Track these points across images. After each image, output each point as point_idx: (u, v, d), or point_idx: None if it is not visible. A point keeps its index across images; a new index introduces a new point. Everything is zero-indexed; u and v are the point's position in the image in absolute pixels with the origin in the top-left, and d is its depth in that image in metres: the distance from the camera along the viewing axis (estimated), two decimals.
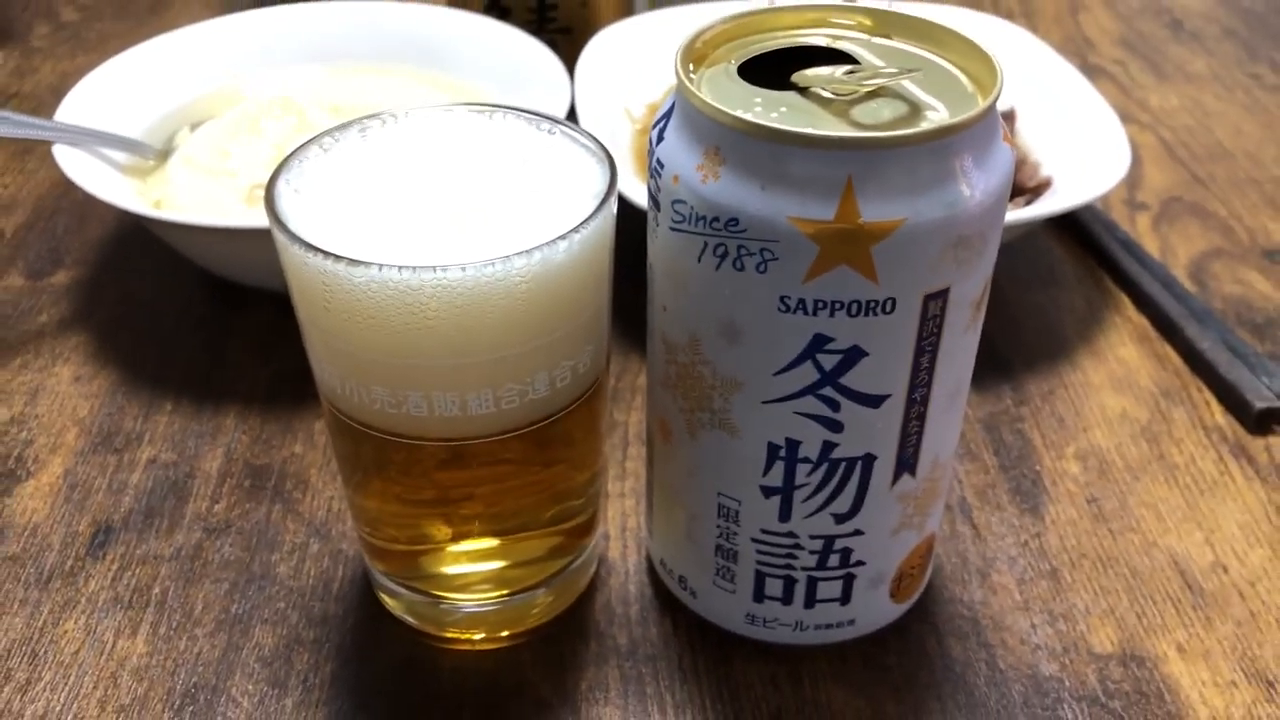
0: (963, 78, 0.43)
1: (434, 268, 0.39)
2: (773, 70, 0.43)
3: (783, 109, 0.40)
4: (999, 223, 0.41)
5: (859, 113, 0.40)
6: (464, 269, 0.39)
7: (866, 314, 0.40)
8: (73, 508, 0.58)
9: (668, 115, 0.42)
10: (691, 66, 0.43)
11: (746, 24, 0.45)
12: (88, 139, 0.68)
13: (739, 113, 0.38)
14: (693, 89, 0.40)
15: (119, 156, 0.70)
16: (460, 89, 0.80)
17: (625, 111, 0.79)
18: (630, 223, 0.53)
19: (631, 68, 0.81)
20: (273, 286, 0.65)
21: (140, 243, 0.76)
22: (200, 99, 0.78)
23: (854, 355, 0.41)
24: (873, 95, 0.41)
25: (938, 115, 0.40)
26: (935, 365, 0.42)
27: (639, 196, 0.64)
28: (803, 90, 0.41)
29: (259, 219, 0.65)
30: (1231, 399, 0.63)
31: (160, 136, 0.75)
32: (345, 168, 0.45)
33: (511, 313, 0.41)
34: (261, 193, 0.65)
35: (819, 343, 0.41)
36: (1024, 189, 0.70)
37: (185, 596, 0.53)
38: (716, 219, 0.40)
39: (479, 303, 0.40)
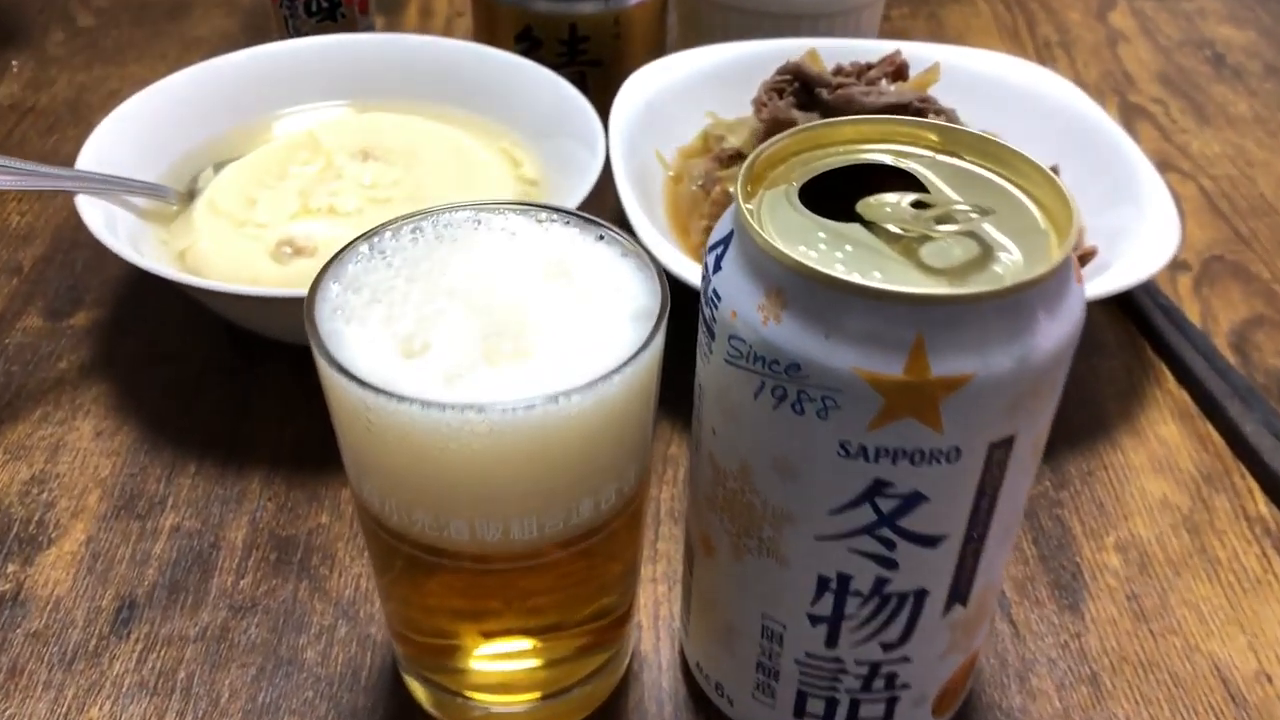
0: (1034, 210, 0.41)
1: (480, 407, 0.37)
2: (837, 189, 0.41)
3: (848, 248, 0.39)
4: (1068, 365, 0.40)
5: (928, 253, 0.39)
6: (513, 409, 0.38)
7: (930, 462, 0.39)
8: (95, 579, 0.57)
9: (725, 242, 0.41)
10: (750, 188, 0.41)
11: (808, 138, 0.43)
12: (110, 187, 0.66)
13: (805, 256, 0.37)
14: (754, 226, 0.38)
15: (140, 201, 0.69)
16: (491, 132, 0.78)
17: (657, 156, 0.77)
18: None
19: (664, 110, 0.79)
20: (297, 341, 0.64)
21: (162, 283, 0.74)
22: (224, 135, 0.76)
23: (914, 499, 0.40)
24: (940, 222, 0.40)
25: (1010, 259, 0.38)
26: (995, 506, 0.41)
27: (674, 263, 0.62)
28: (868, 222, 0.40)
29: (286, 281, 0.63)
30: (1276, 489, 0.62)
31: (183, 176, 0.73)
32: (388, 276, 0.43)
33: (559, 448, 0.40)
34: (289, 250, 0.64)
35: (878, 487, 0.39)
36: None
37: (211, 682, 0.52)
38: (776, 362, 0.38)
39: (526, 440, 0.39)
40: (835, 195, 0.41)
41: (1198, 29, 1.08)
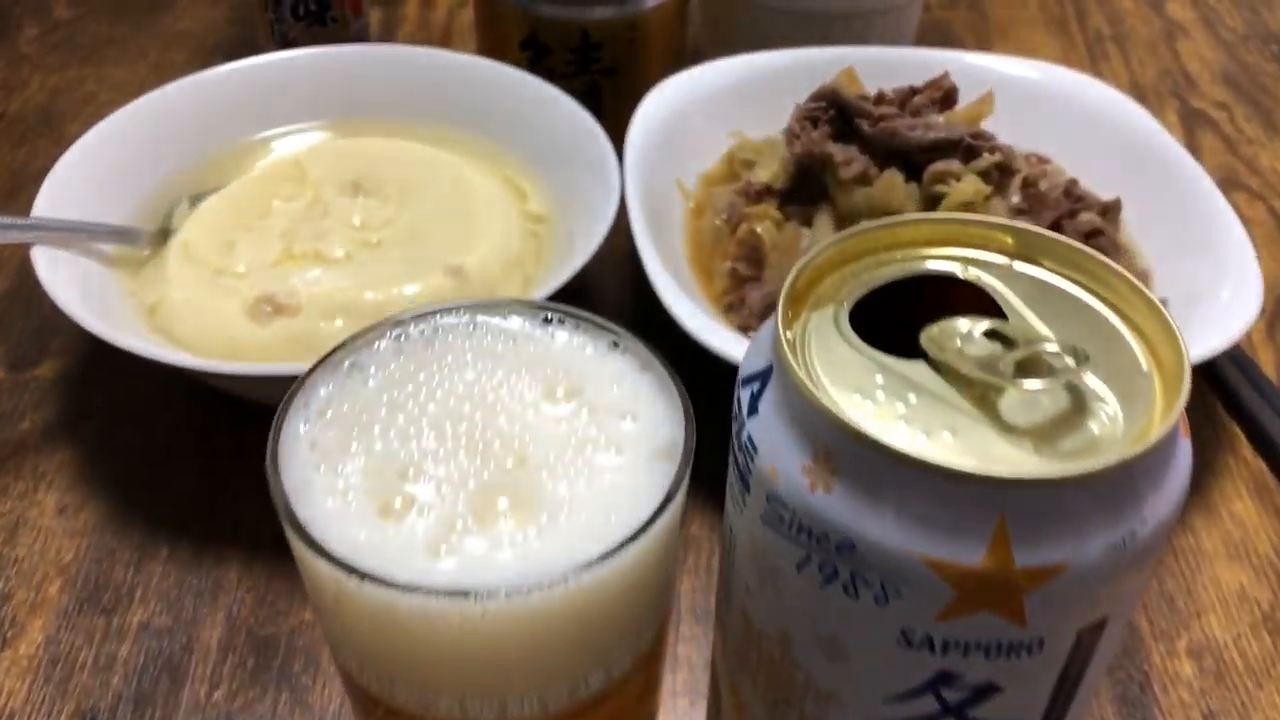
0: (1131, 341, 0.34)
1: (471, 594, 0.31)
2: (896, 304, 0.35)
3: (912, 397, 0.32)
4: (1169, 531, 0.33)
5: (1009, 405, 0.32)
6: (509, 595, 0.31)
7: (1007, 655, 0.32)
8: (54, 690, 0.51)
9: (762, 379, 0.34)
10: (792, 312, 0.34)
11: (860, 242, 0.37)
12: (71, 236, 0.59)
13: (861, 415, 0.30)
14: (799, 372, 0.32)
15: (108, 246, 0.62)
16: (493, 157, 0.71)
17: (678, 185, 0.70)
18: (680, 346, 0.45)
19: (685, 131, 0.72)
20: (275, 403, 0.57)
21: None
22: (201, 163, 0.69)
23: (986, 690, 0.33)
24: (1022, 366, 0.33)
25: (1108, 415, 0.32)
26: (1078, 689, 0.35)
27: (701, 330, 0.55)
28: (933, 358, 0.33)
29: (263, 345, 0.57)
30: None
31: (156, 211, 0.66)
32: (366, 402, 0.37)
33: (564, 627, 0.33)
34: (268, 309, 0.57)
35: (945, 678, 0.33)
36: None
37: None
38: (826, 536, 0.32)
39: (526, 623, 0.32)
40: (894, 312, 0.35)
41: (1264, 21, 1.00)
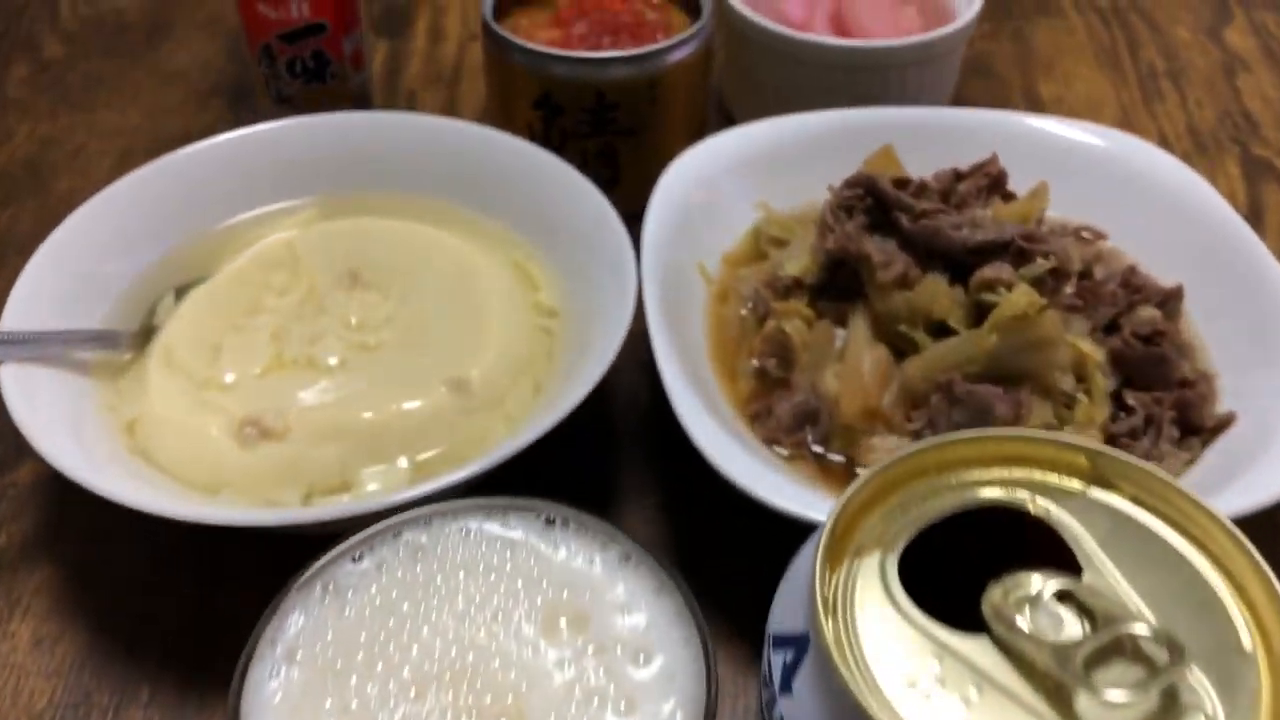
0: (1230, 603, 0.29)
1: None
2: (951, 546, 0.30)
3: (973, 692, 0.27)
4: None
5: (1087, 708, 0.27)
6: None
7: None
8: None
9: (798, 648, 0.29)
10: (832, 563, 0.30)
11: (911, 465, 0.32)
12: (42, 347, 0.55)
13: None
14: (842, 670, 0.27)
15: (86, 353, 0.58)
16: (501, 239, 0.66)
17: (700, 270, 0.65)
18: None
19: (707, 204, 0.67)
20: (264, 526, 0.53)
21: None
22: (185, 248, 0.65)
23: None
24: (1104, 652, 0.28)
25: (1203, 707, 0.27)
26: None
27: (714, 449, 0.51)
28: (998, 635, 0.28)
29: (249, 472, 0.53)
30: None
31: (139, 305, 0.62)
32: (341, 641, 0.32)
33: None
34: (254, 432, 0.53)
35: None
36: (1200, 427, 0.56)
37: None
38: None
39: None
40: (951, 552, 0.30)
41: None
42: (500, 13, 0.77)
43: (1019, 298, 0.53)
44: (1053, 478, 0.32)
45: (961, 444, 0.32)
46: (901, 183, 0.60)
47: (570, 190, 0.64)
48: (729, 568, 0.55)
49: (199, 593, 0.56)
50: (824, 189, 0.69)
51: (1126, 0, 0.99)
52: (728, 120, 0.85)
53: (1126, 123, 0.86)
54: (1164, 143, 0.84)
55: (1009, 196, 0.62)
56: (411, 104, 0.88)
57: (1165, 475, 0.31)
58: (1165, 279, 0.65)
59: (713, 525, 0.58)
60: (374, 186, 0.68)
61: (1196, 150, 0.83)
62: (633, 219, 0.72)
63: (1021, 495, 0.31)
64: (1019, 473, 0.32)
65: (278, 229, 0.65)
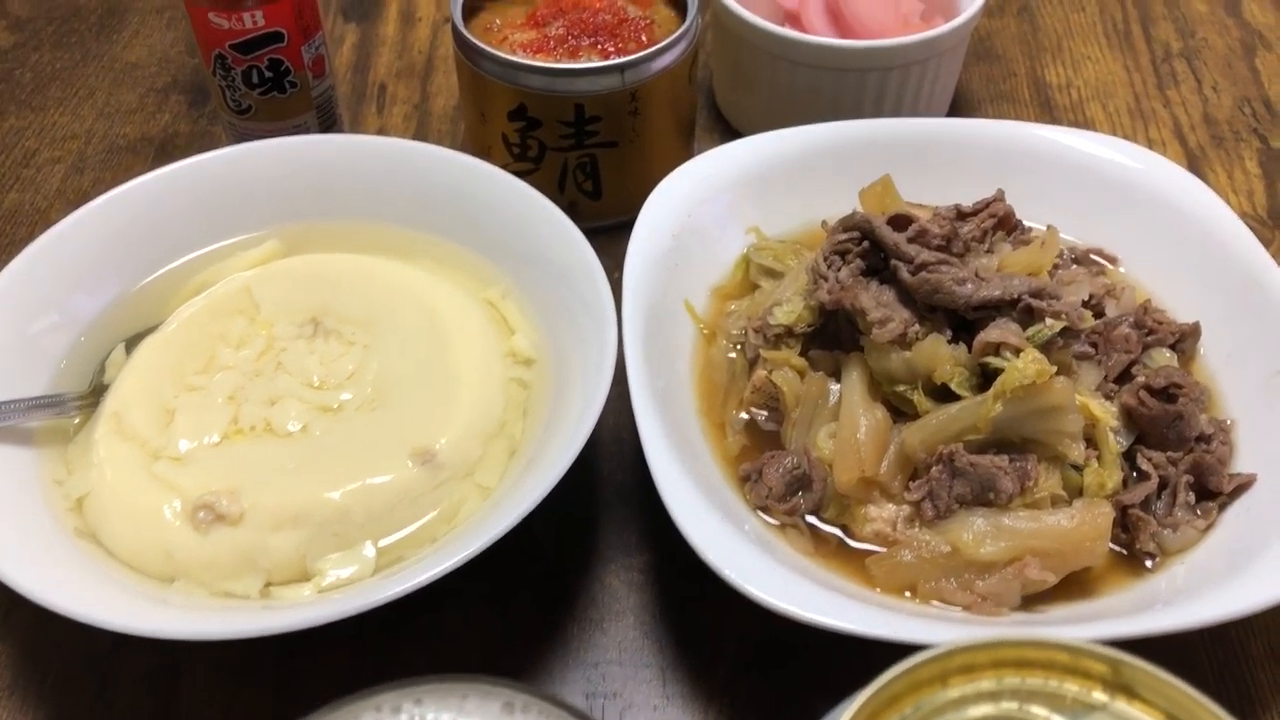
0: None
1: None
2: None
3: None
4: None
5: None
6: None
7: None
8: None
9: None
10: None
11: (916, 676, 0.28)
12: None
13: None
14: None
15: (33, 421, 0.54)
16: (474, 272, 0.62)
17: (687, 308, 0.61)
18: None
19: (695, 232, 0.63)
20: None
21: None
22: (136, 292, 0.61)
23: None
24: None
25: None
26: None
27: (702, 540, 0.47)
28: None
29: (203, 560, 0.49)
30: None
31: (89, 359, 0.58)
32: None
33: None
34: (209, 516, 0.50)
35: None
36: (1218, 490, 0.53)
37: None
38: None
39: None
40: None
41: None
42: (472, 8, 0.72)
43: (1027, 366, 0.49)
44: (1070, 686, 0.28)
45: (968, 651, 0.28)
46: (901, 222, 0.55)
47: (547, 225, 0.60)
48: (717, 652, 0.52)
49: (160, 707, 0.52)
50: (820, 207, 0.65)
51: None
52: (719, 120, 0.81)
53: (1138, 110, 0.81)
54: (1178, 134, 0.79)
55: (1013, 227, 0.58)
56: (381, 99, 0.83)
57: (1194, 693, 0.28)
58: (1179, 307, 0.61)
59: (701, 587, 0.55)
60: (339, 216, 0.64)
61: (1213, 143, 0.78)
62: (618, 229, 0.68)
63: (1038, 710, 0.28)
64: (1033, 680, 0.29)
65: (235, 267, 0.61)
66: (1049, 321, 0.51)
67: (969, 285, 0.51)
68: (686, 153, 0.75)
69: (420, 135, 0.80)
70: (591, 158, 0.69)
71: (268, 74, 0.68)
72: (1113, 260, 0.63)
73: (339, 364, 0.56)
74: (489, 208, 0.62)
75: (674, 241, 0.62)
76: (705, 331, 0.61)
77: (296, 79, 0.69)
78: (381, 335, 0.58)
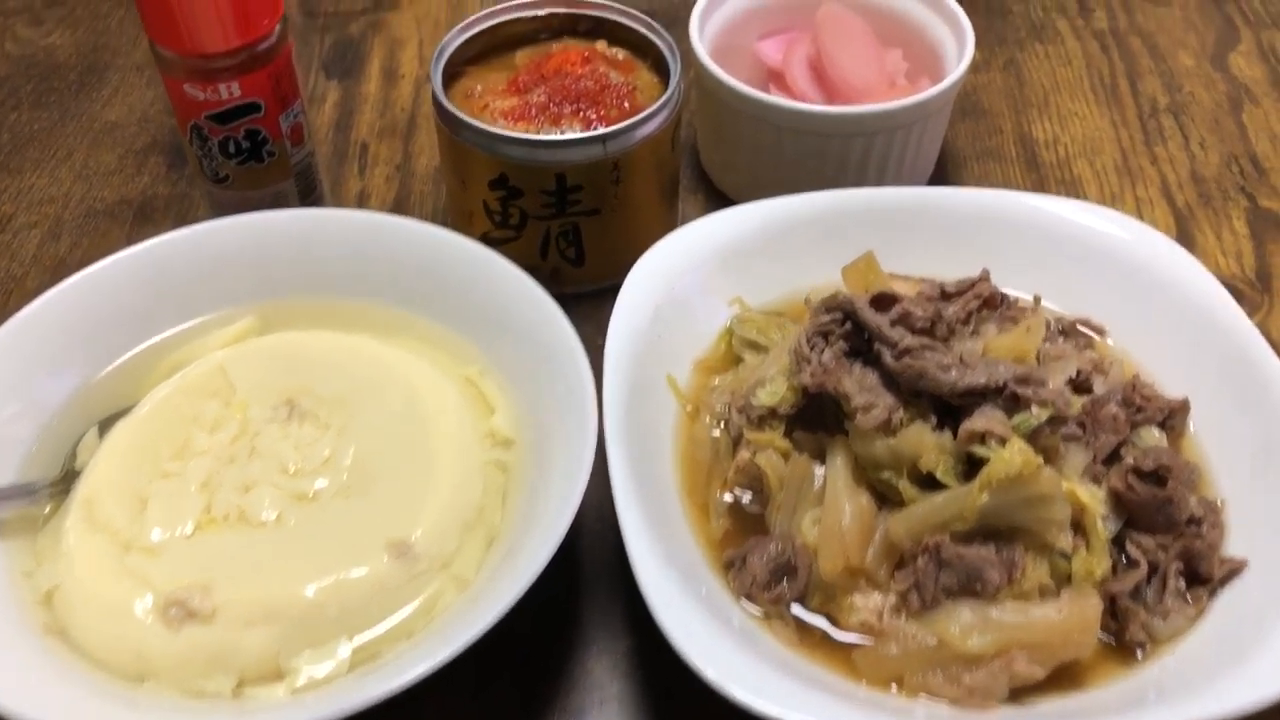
0: None
1: None
2: None
3: None
4: None
5: None
6: None
7: None
8: None
9: None
10: None
11: None
12: None
13: None
14: None
15: (2, 512, 0.53)
16: (451, 350, 0.61)
17: (669, 383, 0.60)
18: None
19: (676, 305, 0.62)
20: None
21: None
22: (109, 374, 0.60)
23: None
24: None
25: None
26: None
27: (686, 641, 0.46)
28: None
29: (174, 658, 0.48)
30: None
31: (60, 443, 0.57)
32: None
33: None
34: (181, 613, 0.49)
35: None
36: (1208, 576, 0.52)
37: None
38: None
39: None
40: None
41: None
42: (453, 74, 0.72)
43: (1013, 456, 0.48)
44: None
45: None
46: (884, 301, 0.55)
47: (527, 302, 0.59)
48: None
49: None
50: (804, 276, 0.65)
51: (1127, 22, 0.93)
52: (703, 180, 0.80)
53: (1126, 168, 0.81)
54: (1166, 192, 0.79)
55: (997, 303, 0.57)
56: (363, 159, 0.82)
57: None
58: (1168, 379, 0.60)
59: (687, 674, 0.54)
60: (315, 292, 0.63)
61: (1201, 202, 0.78)
62: (602, 295, 0.68)
63: None
64: None
65: (210, 346, 0.60)
66: (1035, 410, 0.50)
67: (954, 372, 0.51)
68: (670, 216, 0.75)
69: (402, 197, 0.79)
70: (574, 225, 0.69)
71: (245, 144, 0.68)
72: (1100, 331, 0.63)
73: (314, 448, 0.55)
74: (468, 284, 0.61)
75: (656, 315, 0.61)
76: (688, 408, 0.60)
77: (274, 148, 0.69)
78: (358, 417, 0.57)
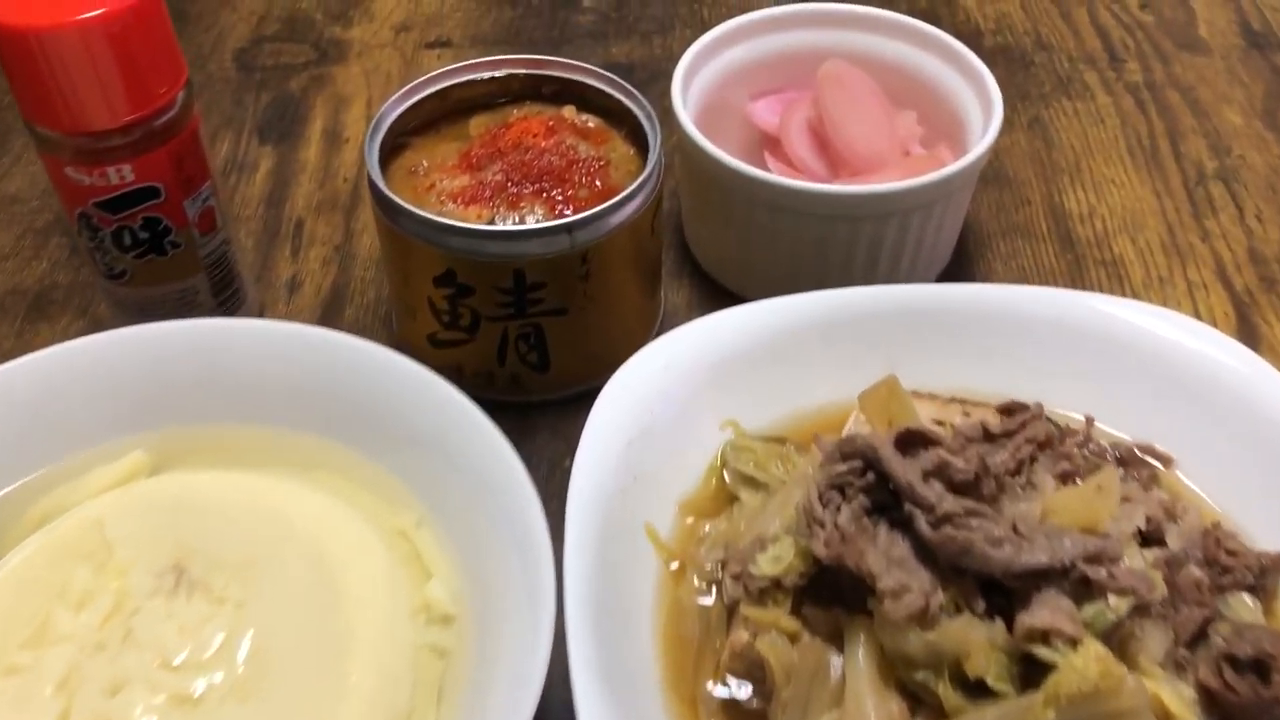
0: None
1: None
2: None
3: None
4: None
5: None
6: None
7: None
8: None
9: None
10: None
11: None
12: None
13: None
14: None
15: None
16: (381, 492, 0.50)
17: (648, 533, 0.49)
18: None
19: (656, 435, 0.51)
20: None
21: None
22: None
23: None
24: None
25: None
26: None
27: None
28: None
29: None
30: None
31: None
32: None
33: None
34: None
35: None
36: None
37: None
38: None
39: None
40: None
41: None
42: (396, 146, 0.61)
43: (1087, 665, 0.37)
44: None
45: None
46: (912, 440, 0.44)
47: (473, 437, 0.48)
48: None
49: None
50: (809, 391, 0.54)
51: (1164, 74, 0.83)
52: (687, 259, 0.69)
53: (1173, 245, 0.70)
54: (1221, 274, 0.68)
55: (1053, 443, 0.46)
56: (298, 239, 0.71)
57: None
58: (1252, 524, 0.50)
59: None
60: (219, 418, 0.52)
61: (1263, 286, 0.68)
62: (571, 403, 0.58)
63: None
64: None
65: (88, 490, 0.49)
66: (1112, 600, 0.39)
67: (1007, 547, 0.40)
68: (651, 308, 0.64)
69: (341, 284, 0.68)
70: (536, 327, 0.58)
71: (142, 235, 0.57)
72: (1167, 461, 0.52)
73: (204, 631, 0.44)
74: (402, 412, 0.50)
75: (630, 449, 0.50)
76: (672, 565, 0.49)
77: (179, 238, 0.58)
78: (260, 588, 0.46)
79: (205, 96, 0.81)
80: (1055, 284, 0.68)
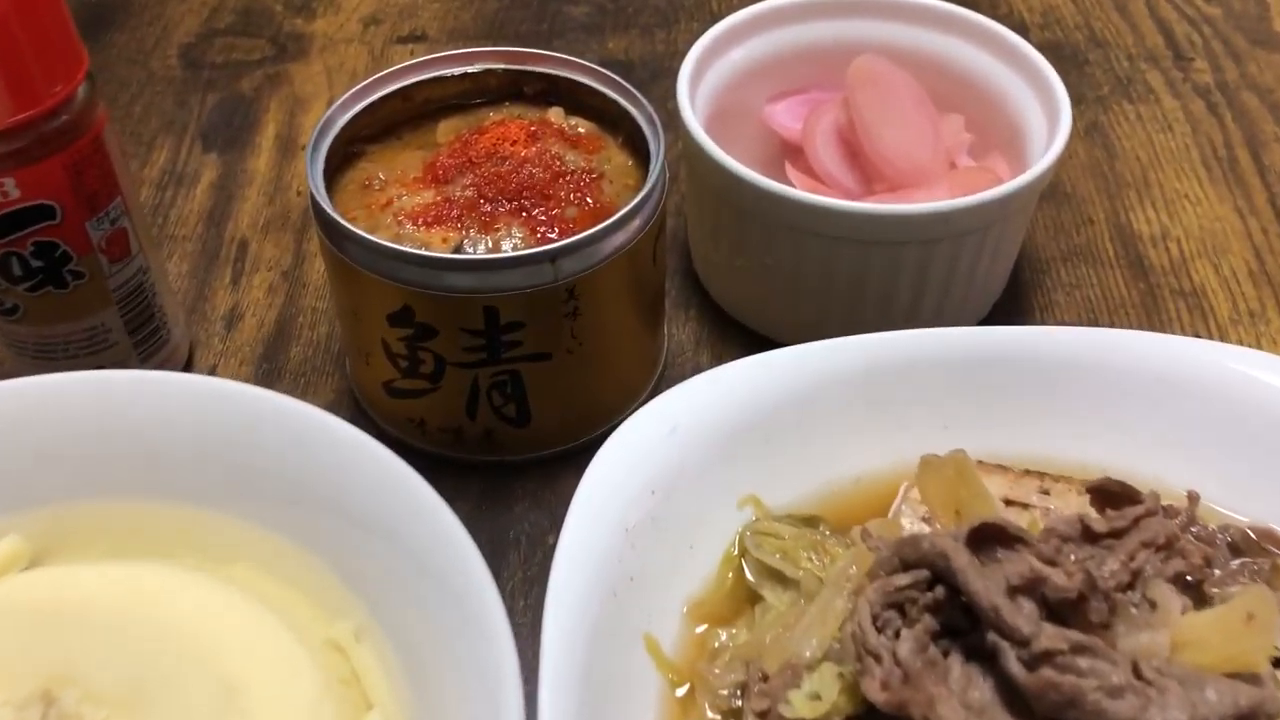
0: None
1: None
2: None
3: None
4: None
5: None
6: None
7: None
8: None
9: None
10: None
11: None
12: None
13: None
14: None
15: None
16: (311, 591, 0.40)
17: (647, 644, 0.39)
18: None
19: (657, 520, 0.41)
20: None
21: None
22: None
23: None
24: None
25: None
26: None
27: None
28: None
29: None
30: None
31: None
32: None
33: None
34: None
35: None
36: None
37: None
38: None
39: None
40: None
41: None
42: (349, 155, 0.51)
43: None
44: None
45: None
46: (988, 535, 0.34)
47: (425, 523, 0.38)
48: None
49: None
50: (846, 461, 0.44)
51: (1236, 74, 0.73)
52: (695, 287, 0.59)
53: (1263, 272, 0.60)
54: None
55: (1171, 544, 0.36)
56: (240, 263, 0.61)
57: None
58: None
59: None
60: (114, 493, 0.42)
61: None
62: (554, 463, 0.49)
63: None
64: None
65: None
66: None
67: (1130, 698, 0.30)
68: (652, 350, 0.54)
69: (286, 318, 0.58)
70: (513, 374, 0.48)
71: (35, 263, 0.47)
72: None
73: None
74: (341, 490, 0.40)
75: (627, 539, 0.40)
76: (679, 690, 0.39)
77: (81, 267, 0.48)
78: (153, 712, 0.36)
79: (144, 97, 0.72)
80: (1128, 318, 0.58)
